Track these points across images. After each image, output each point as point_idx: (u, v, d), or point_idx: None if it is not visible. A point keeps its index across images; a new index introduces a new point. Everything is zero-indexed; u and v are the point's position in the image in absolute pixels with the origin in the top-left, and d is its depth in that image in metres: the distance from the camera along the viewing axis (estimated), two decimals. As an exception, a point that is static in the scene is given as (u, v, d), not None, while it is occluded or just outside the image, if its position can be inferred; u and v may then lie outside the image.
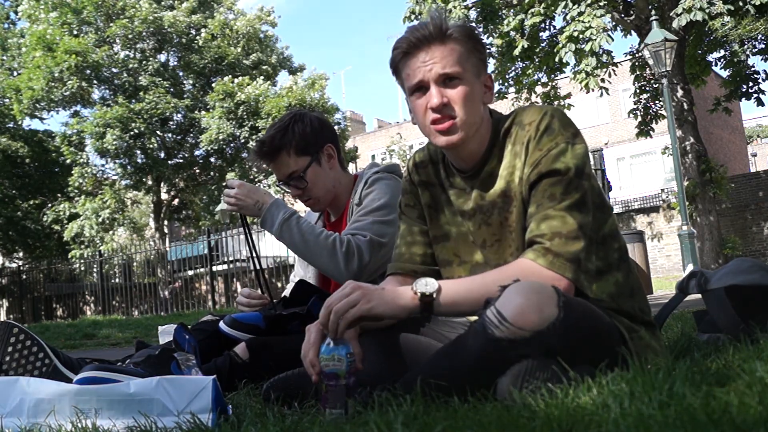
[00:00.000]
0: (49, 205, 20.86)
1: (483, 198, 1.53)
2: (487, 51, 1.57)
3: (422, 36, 1.46)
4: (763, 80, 13.96)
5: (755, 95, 13.97)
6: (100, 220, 18.92)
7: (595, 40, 11.16)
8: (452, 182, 1.60)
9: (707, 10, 10.59)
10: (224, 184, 2.27)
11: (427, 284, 1.39)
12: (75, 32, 18.87)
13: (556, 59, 12.24)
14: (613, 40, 11.80)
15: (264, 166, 2.28)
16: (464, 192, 1.57)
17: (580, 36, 11.31)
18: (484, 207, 1.53)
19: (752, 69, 14.03)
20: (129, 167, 19.21)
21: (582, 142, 1.47)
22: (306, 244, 2.07)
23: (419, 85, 1.47)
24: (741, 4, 10.86)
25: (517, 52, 12.56)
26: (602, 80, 12.44)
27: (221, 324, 2.10)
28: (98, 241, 19.16)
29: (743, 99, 14.17)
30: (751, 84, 14.00)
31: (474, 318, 1.34)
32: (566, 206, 1.41)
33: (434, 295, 1.38)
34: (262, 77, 19.54)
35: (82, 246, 19.28)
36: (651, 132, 14.75)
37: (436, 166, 1.64)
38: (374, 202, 2.15)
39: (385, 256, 2.06)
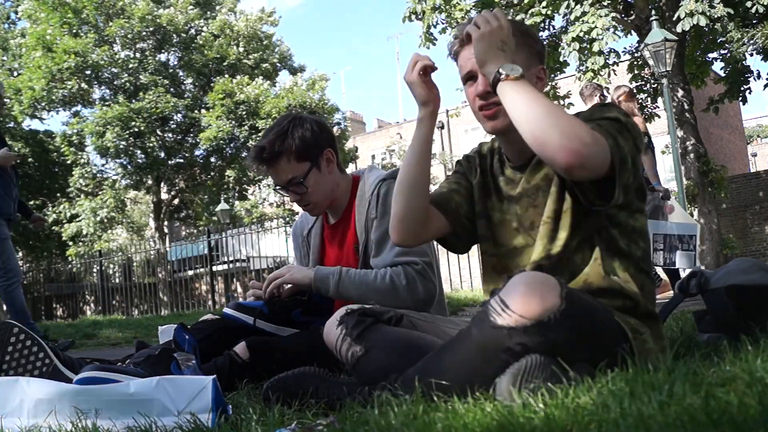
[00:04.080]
0: (50, 206, 20.82)
1: (529, 182, 1.59)
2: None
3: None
4: (756, 79, 13.85)
5: (743, 93, 13.87)
6: (98, 219, 18.89)
7: (602, 39, 11.13)
8: (504, 171, 1.67)
9: (708, 14, 10.56)
10: (250, 284, 2.30)
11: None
12: (75, 32, 18.85)
13: (559, 59, 12.20)
14: (620, 37, 11.74)
15: (262, 171, 2.26)
16: (512, 180, 1.63)
17: (586, 36, 11.28)
18: (529, 191, 1.58)
19: (747, 67, 13.92)
20: (129, 167, 19.18)
21: (636, 124, 1.49)
22: (367, 293, 2.02)
23: (470, 74, 1.58)
24: (748, 5, 10.80)
25: (516, 51, 12.49)
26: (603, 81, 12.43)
27: (225, 308, 2.17)
28: (96, 239, 19.13)
29: (738, 97, 14.06)
30: (743, 83, 13.90)
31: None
32: (599, 125, 1.42)
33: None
34: (261, 77, 19.51)
35: (80, 244, 19.25)
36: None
37: (492, 157, 1.72)
38: None
39: (435, 268, 2.08)
